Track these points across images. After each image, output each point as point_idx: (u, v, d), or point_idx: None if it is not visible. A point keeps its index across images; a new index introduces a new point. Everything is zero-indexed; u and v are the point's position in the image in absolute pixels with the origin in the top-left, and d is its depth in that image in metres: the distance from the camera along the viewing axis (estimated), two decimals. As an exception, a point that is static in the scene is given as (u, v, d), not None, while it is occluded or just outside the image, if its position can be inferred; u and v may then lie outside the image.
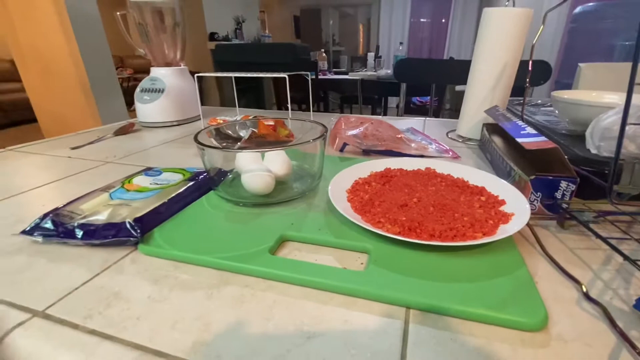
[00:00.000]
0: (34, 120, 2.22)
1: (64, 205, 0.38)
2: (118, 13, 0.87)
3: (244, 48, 0.84)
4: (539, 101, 0.83)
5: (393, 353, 0.22)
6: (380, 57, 2.88)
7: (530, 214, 0.32)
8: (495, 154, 0.53)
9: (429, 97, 1.79)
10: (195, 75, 0.82)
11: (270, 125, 0.65)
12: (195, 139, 0.40)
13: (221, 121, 0.71)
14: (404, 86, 1.26)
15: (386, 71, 2.61)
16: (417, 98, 2.60)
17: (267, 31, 5.19)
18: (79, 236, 0.34)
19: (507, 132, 0.48)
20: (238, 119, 0.69)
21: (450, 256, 0.30)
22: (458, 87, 2.32)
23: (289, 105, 0.74)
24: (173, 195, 0.40)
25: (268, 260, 0.29)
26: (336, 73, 2.89)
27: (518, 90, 0.72)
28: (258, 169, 0.39)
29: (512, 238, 0.32)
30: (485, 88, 0.66)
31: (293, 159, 0.45)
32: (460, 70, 1.20)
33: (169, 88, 0.88)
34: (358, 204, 0.37)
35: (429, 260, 0.29)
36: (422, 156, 0.60)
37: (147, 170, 0.48)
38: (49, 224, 0.35)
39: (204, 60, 3.45)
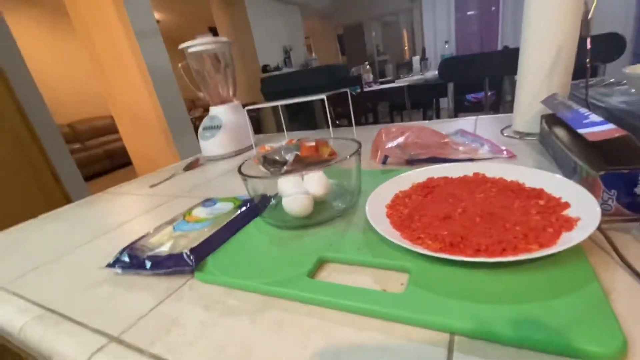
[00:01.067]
0: (130, 163, 2.56)
1: (138, 240, 0.43)
2: (180, 64, 0.98)
3: (286, 77, 0.88)
4: (613, 80, 0.71)
5: (435, 386, 0.19)
6: (426, 59, 2.76)
7: (605, 216, 0.27)
8: (558, 148, 0.46)
9: (482, 93, 1.65)
10: (245, 108, 0.87)
11: (312, 146, 0.66)
12: (239, 170, 0.42)
13: (268, 148, 0.74)
14: (451, 86, 1.18)
15: (433, 73, 2.48)
16: (472, 95, 2.42)
17: (313, 54, 5.36)
18: (148, 267, 0.37)
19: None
20: (283, 144, 0.71)
21: (500, 273, 0.26)
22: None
23: (330, 124, 0.75)
24: (224, 223, 0.42)
25: (306, 284, 0.29)
26: (382, 83, 2.84)
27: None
28: (296, 192, 0.40)
29: (580, 247, 0.27)
30: (539, 76, 0.58)
31: (332, 177, 0.45)
32: (513, 58, 1.09)
33: (225, 123, 0.95)
34: (397, 220, 0.35)
35: (476, 278, 0.26)
36: (471, 160, 0.55)
37: (205, 202, 0.52)
38: (125, 257, 0.40)
39: (258, 91, 3.69)
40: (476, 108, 2.27)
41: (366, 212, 0.36)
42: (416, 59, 2.73)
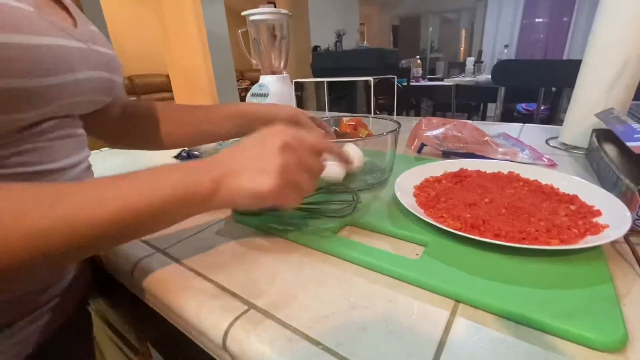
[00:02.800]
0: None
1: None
2: (240, 30, 1.02)
3: (337, 55, 0.89)
4: (682, 106, 0.65)
5: (432, 338, 0.21)
6: (482, 61, 2.61)
7: (635, 230, 0.27)
8: (603, 162, 0.44)
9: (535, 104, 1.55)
10: (293, 80, 0.89)
11: (351, 124, 0.67)
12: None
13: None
14: (502, 90, 1.12)
15: (487, 76, 2.34)
16: (523, 105, 2.27)
17: (365, 42, 5.24)
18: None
19: (620, 138, 0.40)
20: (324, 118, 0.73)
21: (515, 259, 0.27)
22: (576, 93, 1.95)
23: (372, 107, 0.75)
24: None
25: (329, 238, 0.31)
26: (431, 80, 2.74)
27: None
28: (330, 160, 0.41)
29: (602, 251, 0.27)
30: (598, 88, 0.55)
31: (367, 155, 0.46)
32: (576, 70, 1.01)
33: (272, 93, 0.98)
34: (423, 199, 0.36)
35: (490, 259, 0.27)
36: (511, 160, 0.54)
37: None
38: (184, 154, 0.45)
39: (306, 71, 3.69)
40: (526, 120, 2.14)
41: (394, 187, 0.37)
42: (470, 60, 2.59)
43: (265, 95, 0.97)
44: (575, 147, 0.60)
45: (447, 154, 0.57)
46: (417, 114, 3.05)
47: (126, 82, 4.87)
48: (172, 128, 0.46)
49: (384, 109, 3.19)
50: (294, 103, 1.04)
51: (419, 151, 0.60)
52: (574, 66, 0.95)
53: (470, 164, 0.45)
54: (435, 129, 0.60)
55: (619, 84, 0.53)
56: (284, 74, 1.03)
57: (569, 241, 0.26)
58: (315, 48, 4.24)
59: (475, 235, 0.27)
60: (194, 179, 0.24)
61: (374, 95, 0.75)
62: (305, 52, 4.08)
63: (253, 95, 1.00)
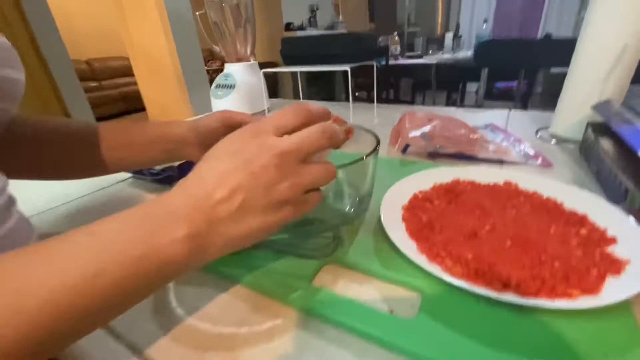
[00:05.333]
0: (145, 108, 2.52)
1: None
2: (197, 13, 0.91)
3: (309, 41, 0.81)
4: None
5: None
6: (460, 36, 2.55)
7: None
8: (604, 165, 0.40)
9: (515, 82, 1.53)
10: (262, 70, 0.81)
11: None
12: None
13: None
14: (485, 72, 1.08)
15: (466, 53, 2.30)
16: (502, 83, 2.26)
17: (340, 17, 5.05)
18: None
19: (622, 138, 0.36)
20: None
21: (528, 316, 0.22)
22: (555, 69, 1.95)
23: (350, 98, 0.69)
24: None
25: (306, 291, 0.26)
26: (409, 57, 2.66)
27: (643, 77, 0.55)
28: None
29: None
30: (593, 76, 0.51)
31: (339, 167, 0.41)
32: (558, 50, 0.98)
33: (239, 84, 0.90)
34: (415, 227, 0.31)
35: (500, 317, 0.22)
36: (501, 162, 0.50)
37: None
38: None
39: (279, 50, 3.53)
40: (505, 96, 2.14)
41: (381, 215, 0.32)
42: (449, 36, 2.52)
43: (232, 86, 0.89)
44: (567, 140, 0.56)
45: (433, 155, 0.53)
46: (397, 93, 3.00)
47: (84, 66, 4.49)
48: (77, 154, 0.37)
49: (363, 87, 3.11)
50: (264, 93, 0.96)
51: (404, 151, 0.55)
52: (554, 45, 0.91)
53: (462, 173, 0.40)
54: (421, 127, 0.54)
55: (617, 71, 0.49)
56: (252, 61, 0.94)
57: (591, 290, 0.22)
58: (288, 25, 4.05)
59: (480, 287, 0.23)
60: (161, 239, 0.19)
61: (352, 83, 0.68)
62: (278, 31, 3.88)
63: (218, 86, 0.91)
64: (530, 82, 1.91)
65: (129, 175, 0.53)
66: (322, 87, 3.24)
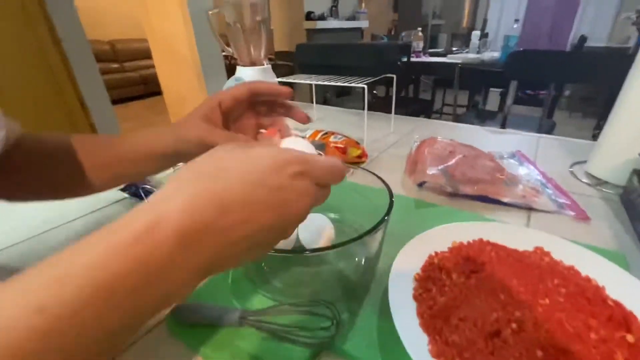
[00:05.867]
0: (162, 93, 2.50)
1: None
2: (210, 12, 0.86)
3: (325, 49, 0.75)
4: None
5: None
6: (487, 34, 2.39)
7: None
8: (653, 230, 0.34)
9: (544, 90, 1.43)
10: (276, 80, 0.76)
11: (339, 147, 0.56)
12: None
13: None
14: (514, 84, 1.00)
15: (492, 54, 2.15)
16: (528, 91, 2.12)
17: (363, 6, 4.87)
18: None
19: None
20: (307, 134, 0.61)
21: None
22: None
23: (365, 117, 0.63)
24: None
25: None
26: (432, 54, 2.54)
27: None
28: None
29: None
30: (646, 117, 0.44)
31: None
32: (592, 64, 0.89)
33: (251, 88, 0.85)
34: (428, 312, 0.26)
35: None
36: (530, 208, 0.44)
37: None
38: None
39: (299, 40, 3.43)
40: (531, 102, 2.01)
41: (388, 288, 0.27)
42: (476, 34, 2.37)
43: (244, 91, 0.84)
44: (606, 183, 0.50)
45: (454, 195, 0.47)
46: (416, 91, 2.88)
47: (107, 47, 4.50)
48: (74, 171, 0.34)
49: (383, 84, 3.00)
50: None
51: (420, 185, 0.50)
52: (589, 61, 0.82)
53: (485, 230, 0.35)
54: (441, 162, 0.49)
55: (676, 114, 0.42)
56: (265, 65, 0.89)
57: None
58: (309, 14, 3.93)
59: None
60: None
61: (366, 100, 0.63)
62: (298, 20, 3.77)
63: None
64: (557, 94, 1.79)
65: (124, 195, 0.50)
66: (340, 89, 3.14)
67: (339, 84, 0.64)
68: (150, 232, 0.14)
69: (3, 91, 1.40)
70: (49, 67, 1.59)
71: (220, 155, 0.19)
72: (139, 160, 0.35)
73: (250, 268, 0.31)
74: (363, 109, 0.67)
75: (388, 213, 0.30)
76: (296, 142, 0.27)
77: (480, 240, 0.34)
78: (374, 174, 0.36)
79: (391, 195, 0.32)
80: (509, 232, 0.35)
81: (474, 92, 2.23)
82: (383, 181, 0.34)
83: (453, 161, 0.48)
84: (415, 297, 0.28)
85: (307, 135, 0.61)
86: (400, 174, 0.56)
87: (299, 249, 0.34)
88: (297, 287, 0.30)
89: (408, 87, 2.65)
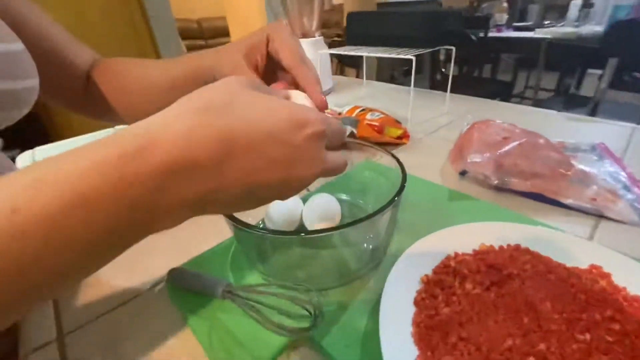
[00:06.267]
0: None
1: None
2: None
3: (377, 17, 0.68)
4: None
5: None
6: (592, 4, 1.93)
7: None
8: None
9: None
10: (319, 52, 0.72)
11: (374, 126, 0.50)
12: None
13: (328, 111, 0.61)
14: (613, 62, 0.79)
15: (594, 28, 1.72)
16: (636, 73, 1.68)
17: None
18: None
19: None
20: (345, 109, 0.57)
21: None
22: None
23: (411, 93, 0.56)
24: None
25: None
26: (517, 29, 2.17)
27: None
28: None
29: None
30: None
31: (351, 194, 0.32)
32: None
33: (300, 61, 0.82)
34: (426, 320, 0.22)
35: None
36: (600, 216, 0.35)
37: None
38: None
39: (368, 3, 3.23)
40: (637, 87, 1.61)
41: (383, 291, 0.24)
42: (575, 4, 1.93)
43: (293, 64, 0.82)
44: None
45: (501, 189, 0.40)
46: (494, 71, 2.53)
47: (195, 25, 4.82)
48: (135, 97, 0.36)
49: (455, 62, 2.71)
50: (328, 73, 0.87)
51: (462, 174, 0.43)
52: None
53: (527, 234, 0.28)
54: (490, 148, 0.41)
55: None
56: (317, 37, 0.84)
57: None
58: (382, -14, 3.67)
59: None
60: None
61: (413, 74, 0.55)
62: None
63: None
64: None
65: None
66: (409, 66, 2.89)
67: (384, 55, 0.57)
68: (139, 157, 0.13)
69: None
70: (138, 40, 1.75)
71: (235, 90, 0.17)
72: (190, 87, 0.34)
73: (249, 245, 0.29)
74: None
75: (398, 194, 0.25)
76: (297, 96, 0.24)
77: (517, 247, 0.28)
78: (385, 150, 0.31)
79: (404, 176, 0.27)
80: (560, 242, 0.28)
81: (565, 73, 1.87)
82: (395, 158, 0.30)
83: (505, 149, 0.40)
84: (417, 302, 0.24)
85: (345, 111, 0.56)
86: (444, 160, 0.50)
87: (297, 229, 0.32)
88: (291, 269, 0.28)
89: (482, 67, 2.35)
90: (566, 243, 0.28)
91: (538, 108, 0.70)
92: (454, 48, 0.63)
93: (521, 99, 2.53)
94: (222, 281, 0.27)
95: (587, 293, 0.23)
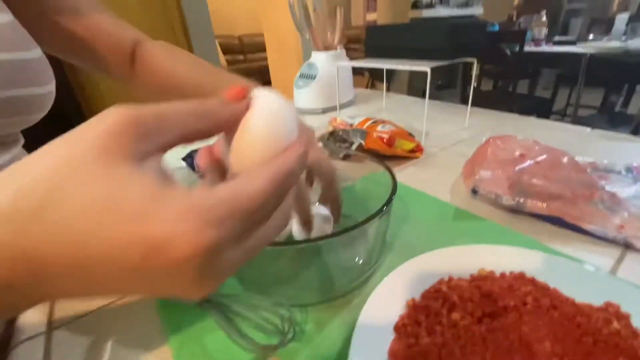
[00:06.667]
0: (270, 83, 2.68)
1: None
2: (292, -1, 0.85)
3: (395, 30, 0.66)
4: None
5: None
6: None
7: None
8: None
9: None
10: (338, 64, 0.71)
11: (383, 138, 0.49)
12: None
13: (340, 122, 0.59)
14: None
15: (644, 42, 1.57)
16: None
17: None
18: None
19: None
20: (356, 121, 0.55)
21: None
22: None
23: (425, 106, 0.54)
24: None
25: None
26: (557, 43, 2.04)
27: None
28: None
29: None
30: None
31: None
32: None
33: (321, 74, 0.82)
34: (404, 349, 0.20)
35: None
36: (627, 246, 0.30)
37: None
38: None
39: (402, 18, 3.21)
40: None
41: (360, 314, 0.22)
42: (622, 18, 1.78)
43: (313, 77, 0.82)
44: None
45: (516, 211, 0.36)
46: (532, 88, 2.39)
47: (236, 42, 5.07)
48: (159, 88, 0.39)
49: (489, 76, 2.60)
50: (349, 85, 0.86)
51: (475, 192, 0.40)
52: None
53: (535, 264, 0.25)
54: (504, 165, 0.38)
55: None
56: (338, 50, 0.85)
57: None
58: (416, 3, 3.65)
59: None
60: None
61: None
62: (404, 8, 3.54)
63: (301, 76, 0.86)
64: None
65: (182, 164, 0.54)
66: (439, 72, 2.81)
67: (400, 67, 0.55)
68: None
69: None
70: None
71: (71, 170, 0.10)
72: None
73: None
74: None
75: (386, 205, 0.24)
76: (269, 98, 0.16)
77: (521, 275, 0.25)
78: (379, 160, 0.29)
79: (394, 186, 0.26)
80: (574, 273, 0.25)
81: (611, 90, 1.72)
82: (387, 168, 0.28)
83: (520, 166, 0.36)
84: (397, 328, 0.22)
85: (357, 123, 0.55)
86: (457, 176, 0.46)
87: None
88: (274, 283, 0.27)
89: (517, 83, 2.23)
90: (581, 275, 0.24)
91: (570, 124, 0.64)
92: (475, 60, 0.59)
93: (562, 116, 2.36)
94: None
95: (596, 336, 0.19)
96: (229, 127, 0.15)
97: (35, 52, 0.28)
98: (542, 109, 1.95)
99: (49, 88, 0.30)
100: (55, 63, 0.31)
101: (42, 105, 0.30)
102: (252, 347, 0.21)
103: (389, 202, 0.24)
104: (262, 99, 0.15)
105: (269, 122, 0.15)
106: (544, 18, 2.02)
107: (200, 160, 0.17)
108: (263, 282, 0.27)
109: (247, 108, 0.15)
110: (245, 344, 0.21)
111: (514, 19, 3.31)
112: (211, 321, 0.24)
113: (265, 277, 0.27)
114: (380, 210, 0.23)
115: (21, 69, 0.26)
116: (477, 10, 3.99)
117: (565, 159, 0.38)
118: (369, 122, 0.53)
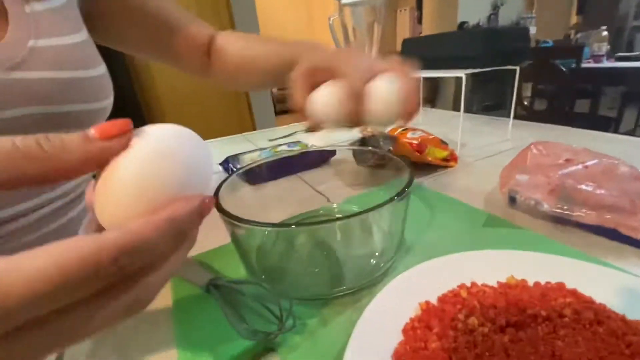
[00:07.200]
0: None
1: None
2: (331, 18, 0.88)
3: (432, 40, 0.65)
4: None
5: None
6: None
7: None
8: None
9: None
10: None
11: (413, 144, 0.46)
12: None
13: (370, 130, 0.58)
14: None
15: None
16: None
17: (533, 11, 4.07)
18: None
19: None
20: (386, 131, 0.53)
21: None
22: None
23: (461, 113, 0.51)
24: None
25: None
26: (620, 59, 1.84)
27: None
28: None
29: None
30: None
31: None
32: None
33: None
34: (410, 354, 0.18)
35: None
36: None
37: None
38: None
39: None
40: None
41: (364, 312, 0.20)
42: None
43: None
44: None
45: (560, 221, 0.31)
46: (594, 107, 2.16)
47: None
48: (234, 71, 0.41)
49: (543, 96, 2.40)
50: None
51: (513, 201, 0.36)
52: None
53: (580, 275, 0.21)
54: (546, 169, 0.33)
55: None
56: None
57: None
58: (462, 25, 3.58)
59: None
60: None
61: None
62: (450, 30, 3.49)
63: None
64: None
65: (219, 169, 0.56)
66: (489, 92, 2.65)
67: (435, 74, 0.53)
68: None
69: (187, 86, 1.79)
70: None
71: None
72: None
73: (248, 243, 0.28)
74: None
75: (407, 186, 0.22)
76: (162, 136, 0.13)
77: (560, 285, 0.21)
78: (394, 157, 0.28)
79: (412, 176, 0.24)
80: (627, 287, 0.20)
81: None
82: (403, 160, 0.26)
83: (565, 171, 0.32)
84: (405, 330, 0.19)
85: (388, 130, 0.53)
86: (493, 186, 0.42)
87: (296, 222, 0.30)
88: (284, 272, 0.26)
89: (574, 101, 2.03)
90: (636, 289, 0.20)
91: (622, 135, 0.56)
92: (517, 68, 0.55)
93: (632, 136, 2.08)
94: (209, 274, 0.26)
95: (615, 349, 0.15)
96: (84, 171, 0.11)
97: (99, 70, 0.30)
98: (605, 129, 1.74)
99: (106, 103, 0.31)
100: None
101: (97, 119, 0.31)
102: (248, 333, 0.20)
103: (409, 184, 0.22)
104: (151, 137, 0.12)
105: (146, 167, 0.11)
106: (604, 33, 1.85)
107: (86, 196, 0.14)
108: (274, 268, 0.26)
109: (123, 147, 0.12)
110: (240, 329, 0.20)
111: (571, 37, 3.08)
112: (210, 307, 0.24)
113: (276, 263, 0.26)
114: (398, 194, 0.21)
115: (80, 87, 0.28)
116: (529, 23, 3.79)
117: (622, 167, 0.33)
118: (399, 130, 0.51)
